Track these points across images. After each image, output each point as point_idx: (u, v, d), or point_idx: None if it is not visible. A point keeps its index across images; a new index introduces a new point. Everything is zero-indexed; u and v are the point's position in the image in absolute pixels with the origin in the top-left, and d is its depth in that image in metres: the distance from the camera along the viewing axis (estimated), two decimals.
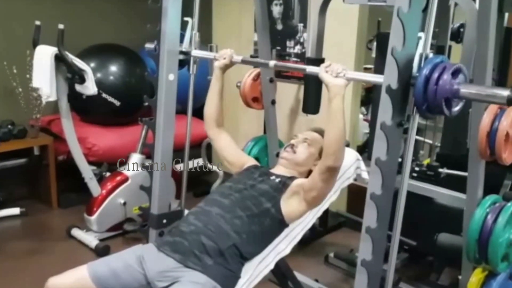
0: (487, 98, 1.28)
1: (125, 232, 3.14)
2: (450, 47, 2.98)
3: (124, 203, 3.11)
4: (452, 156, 2.56)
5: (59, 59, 2.63)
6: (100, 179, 3.16)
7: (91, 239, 3.03)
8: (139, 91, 3.06)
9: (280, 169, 1.92)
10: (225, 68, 1.94)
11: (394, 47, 1.28)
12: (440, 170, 2.53)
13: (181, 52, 2.00)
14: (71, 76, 2.68)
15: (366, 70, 3.52)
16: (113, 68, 3.42)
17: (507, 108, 1.56)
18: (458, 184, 2.04)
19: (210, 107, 1.99)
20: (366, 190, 1.38)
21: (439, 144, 2.83)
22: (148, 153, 2.31)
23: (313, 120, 3.03)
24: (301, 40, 3.53)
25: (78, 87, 2.72)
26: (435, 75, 1.26)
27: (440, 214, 2.52)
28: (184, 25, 2.02)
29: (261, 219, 1.71)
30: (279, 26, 3.63)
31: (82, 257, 2.77)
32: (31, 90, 3.16)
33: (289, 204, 1.73)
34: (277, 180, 1.80)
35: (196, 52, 2.03)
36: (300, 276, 2.41)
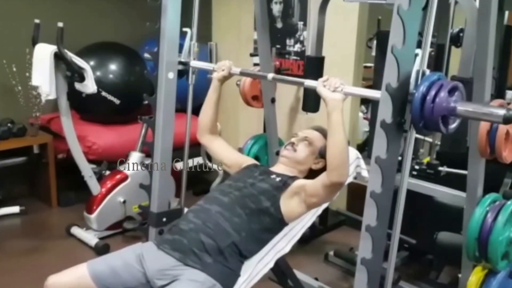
0: (483, 117, 1.30)
1: (124, 231, 3.14)
2: (450, 46, 2.98)
3: (124, 202, 3.12)
4: (452, 154, 2.56)
5: (59, 58, 2.63)
6: (100, 178, 3.16)
7: (91, 238, 3.03)
8: (139, 89, 3.05)
9: (280, 168, 1.92)
10: (224, 79, 1.95)
11: (394, 45, 1.28)
12: (440, 168, 2.52)
13: (180, 63, 2.01)
14: (70, 74, 2.68)
15: (366, 68, 3.52)
16: (113, 66, 3.41)
17: (507, 106, 1.56)
18: (458, 183, 2.04)
19: (205, 116, 1.99)
20: (366, 188, 1.38)
21: (439, 143, 2.83)
22: (147, 151, 2.31)
23: (313, 119, 3.03)
24: (301, 38, 3.52)
25: (77, 86, 2.72)
26: (432, 92, 1.28)
27: (440, 212, 2.52)
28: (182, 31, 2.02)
29: (260, 217, 1.71)
30: (279, 24, 3.63)
31: (82, 256, 2.77)
32: (30, 88, 3.15)
33: (288, 204, 1.73)
34: (278, 179, 1.80)
35: (195, 63, 2.04)
36: (300, 275, 2.41)
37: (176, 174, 2.44)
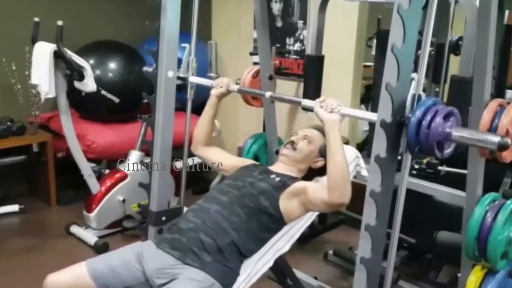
0: (478, 143, 1.31)
1: (124, 229, 3.14)
2: (450, 46, 2.98)
3: (123, 200, 3.11)
4: (451, 154, 2.56)
5: (58, 56, 2.63)
6: (99, 176, 3.16)
7: (90, 236, 3.03)
8: (138, 88, 3.05)
9: (279, 166, 1.92)
10: (222, 96, 1.96)
11: (394, 44, 1.28)
12: (440, 167, 2.52)
13: (179, 78, 2.02)
14: (70, 73, 2.68)
15: (366, 67, 3.51)
16: (112, 65, 3.41)
17: (507, 105, 1.55)
18: (458, 182, 2.04)
19: (201, 130, 2.00)
20: (366, 187, 1.38)
21: None
22: (147, 150, 2.31)
23: (312, 118, 3.01)
24: (301, 37, 3.52)
25: (77, 84, 2.72)
26: (428, 118, 1.29)
27: (439, 212, 2.52)
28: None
29: (259, 216, 1.71)
30: (279, 23, 3.63)
31: (81, 254, 2.77)
32: (30, 87, 3.15)
33: (288, 205, 1.72)
34: (277, 179, 1.80)
35: (193, 79, 2.04)
36: (299, 274, 2.41)
37: (176, 173, 2.44)
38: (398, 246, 1.60)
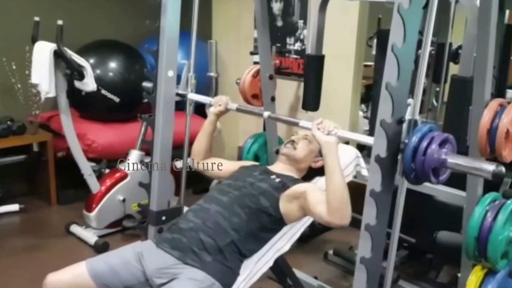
0: (473, 171, 1.31)
1: (124, 229, 3.14)
2: (450, 44, 2.98)
3: (123, 200, 3.11)
4: None
5: (58, 55, 2.63)
6: (99, 176, 3.16)
7: (90, 236, 3.03)
8: (139, 87, 3.05)
9: (280, 166, 1.92)
10: (220, 114, 1.96)
11: (395, 44, 1.28)
12: None
13: (178, 94, 2.01)
14: (70, 72, 2.68)
15: (366, 67, 3.51)
16: (113, 64, 3.41)
17: (507, 105, 1.55)
18: (458, 182, 2.04)
19: (200, 147, 2.00)
20: (366, 187, 1.37)
21: None
22: (147, 149, 2.30)
23: (313, 118, 3.02)
24: (301, 37, 3.52)
25: (77, 84, 2.72)
26: (423, 144, 1.29)
27: (439, 211, 2.52)
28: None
29: (259, 216, 1.71)
30: (279, 23, 3.62)
31: (81, 254, 2.77)
32: (30, 86, 3.15)
33: (288, 207, 1.72)
34: (277, 180, 1.80)
35: (192, 96, 2.04)
36: (299, 273, 2.40)
37: (176, 173, 2.43)
38: (398, 246, 1.60)
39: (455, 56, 2.84)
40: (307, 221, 1.96)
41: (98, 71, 3.26)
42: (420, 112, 1.41)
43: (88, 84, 2.69)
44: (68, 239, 3.11)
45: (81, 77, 2.67)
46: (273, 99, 2.51)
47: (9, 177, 3.49)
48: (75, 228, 3.14)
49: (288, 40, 3.59)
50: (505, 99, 2.36)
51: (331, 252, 2.93)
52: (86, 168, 2.99)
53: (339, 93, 3.27)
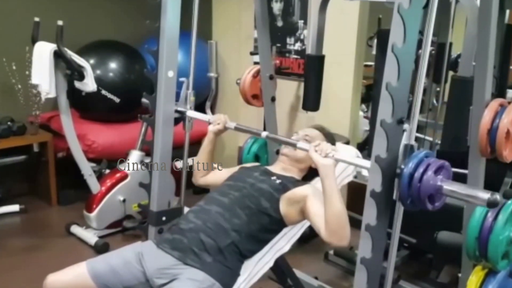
0: (468, 198, 1.31)
1: (124, 229, 3.15)
2: (451, 44, 2.98)
3: (124, 200, 3.11)
4: (452, 154, 2.55)
5: (58, 56, 2.63)
6: (100, 176, 3.16)
7: (91, 236, 3.03)
8: (139, 88, 3.05)
9: (280, 166, 1.91)
10: (219, 133, 1.96)
11: (395, 44, 1.27)
12: None
13: (176, 111, 2.01)
14: (70, 72, 2.68)
15: (367, 67, 3.51)
16: (113, 64, 3.41)
17: (508, 105, 1.55)
18: (458, 182, 2.04)
19: (200, 166, 2.01)
20: (366, 187, 1.37)
21: (439, 142, 2.82)
22: (147, 150, 2.30)
23: (313, 118, 3.02)
24: (302, 37, 3.52)
25: (77, 84, 2.72)
26: (420, 171, 1.29)
27: (440, 211, 2.51)
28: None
29: (260, 217, 1.71)
30: (279, 23, 3.62)
31: (81, 254, 2.77)
32: (30, 86, 3.15)
33: (288, 209, 1.72)
34: (278, 181, 1.79)
35: (191, 113, 2.03)
36: (299, 274, 2.40)
37: (176, 173, 2.43)
38: (399, 246, 1.60)
39: (454, 65, 2.85)
40: (307, 221, 1.96)
41: (98, 72, 3.26)
42: (421, 112, 1.41)
43: (88, 84, 2.70)
44: (68, 239, 3.11)
45: (81, 77, 2.67)
46: (273, 99, 2.51)
47: (9, 177, 3.49)
48: (75, 229, 3.14)
49: (288, 40, 3.59)
50: (506, 99, 2.36)
51: (331, 252, 2.93)
52: (87, 168, 2.99)
53: (339, 93, 3.27)
